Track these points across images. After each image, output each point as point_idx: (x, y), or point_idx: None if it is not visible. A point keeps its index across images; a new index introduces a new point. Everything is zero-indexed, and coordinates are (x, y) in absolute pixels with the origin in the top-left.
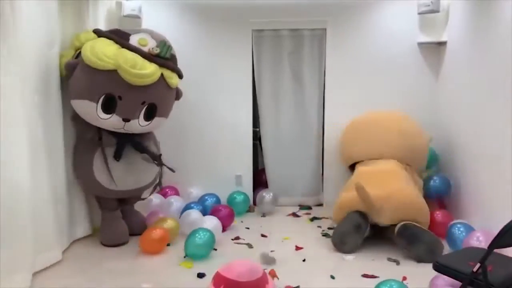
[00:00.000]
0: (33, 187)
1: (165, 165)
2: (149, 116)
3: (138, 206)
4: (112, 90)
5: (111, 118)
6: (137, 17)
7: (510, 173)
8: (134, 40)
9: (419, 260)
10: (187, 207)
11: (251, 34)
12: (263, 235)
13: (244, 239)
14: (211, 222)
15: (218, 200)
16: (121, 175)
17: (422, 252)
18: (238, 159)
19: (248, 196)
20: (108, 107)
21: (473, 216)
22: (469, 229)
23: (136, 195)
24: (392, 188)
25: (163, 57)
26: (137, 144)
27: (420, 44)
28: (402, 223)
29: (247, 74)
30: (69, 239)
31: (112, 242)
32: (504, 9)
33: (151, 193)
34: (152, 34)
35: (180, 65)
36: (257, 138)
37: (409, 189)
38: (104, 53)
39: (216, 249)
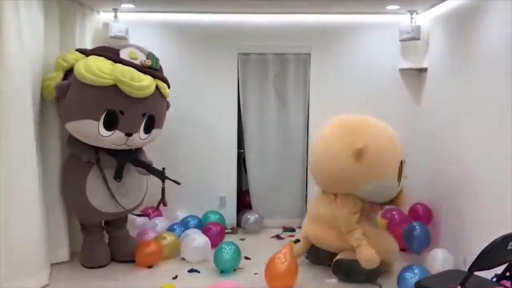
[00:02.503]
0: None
1: (170, 179)
2: (148, 128)
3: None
4: (113, 106)
5: (113, 135)
6: (124, 38)
7: (495, 199)
8: (124, 54)
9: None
10: (171, 229)
11: (237, 57)
12: (246, 258)
13: None
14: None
15: (199, 222)
16: (118, 197)
17: (361, 280)
18: (222, 181)
19: (223, 216)
20: (110, 123)
21: (453, 242)
22: (424, 273)
23: (123, 216)
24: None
25: (155, 69)
26: (137, 161)
27: (402, 70)
28: (334, 260)
29: (233, 96)
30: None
31: (93, 264)
32: (481, 37)
33: (156, 209)
34: (138, 47)
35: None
36: (241, 159)
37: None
38: (100, 69)
39: (199, 271)
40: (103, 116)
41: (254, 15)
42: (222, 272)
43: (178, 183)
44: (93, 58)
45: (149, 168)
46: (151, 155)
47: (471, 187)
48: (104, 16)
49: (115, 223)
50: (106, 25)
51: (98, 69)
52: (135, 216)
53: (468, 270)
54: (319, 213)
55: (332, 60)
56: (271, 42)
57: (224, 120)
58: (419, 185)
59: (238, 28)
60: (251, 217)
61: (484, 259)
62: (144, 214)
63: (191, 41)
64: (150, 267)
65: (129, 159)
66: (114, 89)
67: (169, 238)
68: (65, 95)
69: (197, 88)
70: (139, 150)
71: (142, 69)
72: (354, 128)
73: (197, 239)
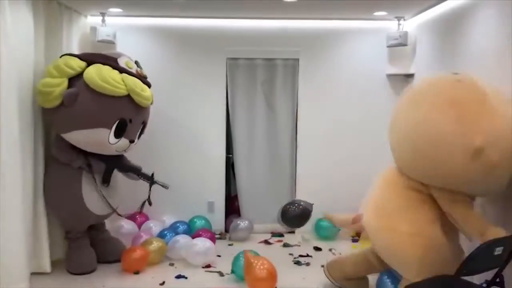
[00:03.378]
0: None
1: (159, 183)
2: (140, 135)
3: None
4: (124, 115)
5: (119, 142)
6: (112, 42)
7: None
8: (122, 63)
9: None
10: (161, 234)
11: (225, 62)
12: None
13: (215, 267)
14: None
15: (188, 228)
16: (102, 200)
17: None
18: (210, 186)
19: (210, 221)
20: (120, 131)
21: None
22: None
23: (106, 219)
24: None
25: (146, 77)
26: (127, 167)
27: (389, 76)
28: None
29: (221, 101)
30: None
31: (80, 270)
32: (468, 43)
33: (141, 210)
34: (126, 56)
35: (154, 91)
36: (230, 164)
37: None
38: (114, 79)
39: (186, 277)
40: (115, 125)
41: (243, 20)
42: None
43: (166, 187)
44: (102, 67)
45: (139, 173)
46: (139, 159)
47: None
48: (91, 20)
49: (98, 226)
50: (93, 29)
51: (112, 79)
52: (122, 224)
53: (455, 274)
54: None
55: (320, 65)
56: (260, 47)
57: (213, 125)
58: None
59: (226, 33)
60: (241, 223)
61: (471, 264)
62: (130, 215)
63: (179, 46)
64: (137, 273)
65: (117, 164)
66: (125, 98)
67: (156, 243)
68: (74, 104)
69: (185, 93)
70: (123, 156)
71: (140, 78)
72: (473, 112)
73: (200, 244)
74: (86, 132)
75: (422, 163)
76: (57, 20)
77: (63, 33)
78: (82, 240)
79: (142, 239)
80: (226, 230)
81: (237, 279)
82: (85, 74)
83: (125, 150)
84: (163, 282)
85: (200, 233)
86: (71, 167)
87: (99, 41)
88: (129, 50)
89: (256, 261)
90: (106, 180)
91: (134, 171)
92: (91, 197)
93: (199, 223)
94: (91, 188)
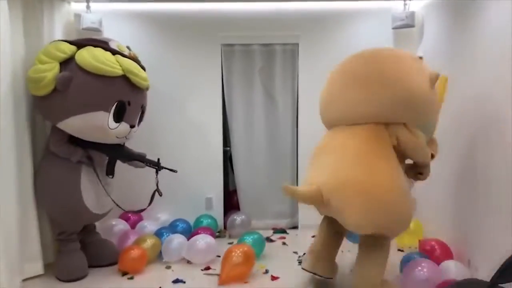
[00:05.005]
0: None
1: (167, 168)
2: (140, 121)
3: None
4: (122, 97)
5: (119, 127)
6: (97, 30)
7: (503, 199)
8: (113, 46)
9: None
10: (158, 233)
11: (220, 49)
12: None
13: (215, 269)
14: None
15: (189, 226)
16: (103, 197)
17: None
18: (208, 181)
19: (216, 220)
20: (119, 115)
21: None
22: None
23: (102, 218)
24: (342, 177)
25: (139, 61)
26: (131, 155)
27: None
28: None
29: (216, 90)
30: (20, 278)
31: (71, 277)
32: (481, 23)
33: (150, 202)
34: (117, 41)
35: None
36: (227, 158)
37: (372, 179)
38: (108, 59)
39: (184, 282)
40: (114, 107)
41: (238, 3)
42: None
43: (174, 171)
44: (94, 49)
45: (144, 160)
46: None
47: (473, 185)
48: (75, 6)
49: (89, 227)
50: (78, 16)
51: (106, 59)
52: (113, 223)
53: (491, 281)
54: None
55: (322, 50)
56: (257, 32)
57: (208, 116)
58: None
59: (220, 17)
60: (237, 218)
61: (508, 273)
62: (139, 210)
63: (170, 32)
64: (131, 278)
65: (120, 153)
66: (121, 79)
67: (150, 240)
68: (68, 88)
69: (177, 84)
70: (124, 145)
71: (133, 60)
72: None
73: (201, 241)
74: (84, 117)
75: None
76: (36, 7)
77: (44, 20)
78: (74, 243)
79: (130, 240)
80: (226, 227)
81: None
82: (77, 56)
83: (126, 137)
84: None
85: (199, 231)
86: (70, 162)
87: (84, 29)
88: (116, 38)
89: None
90: (110, 171)
91: (138, 159)
92: (90, 194)
93: (205, 222)
94: (90, 184)
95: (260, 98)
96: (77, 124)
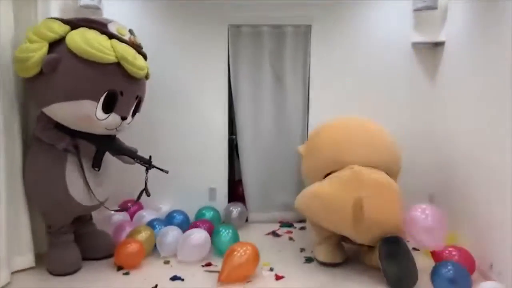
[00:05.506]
0: None
1: (157, 167)
2: (134, 113)
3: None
4: (114, 86)
5: (109, 118)
6: (97, 8)
7: None
8: (112, 29)
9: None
10: (151, 224)
11: (227, 30)
12: None
13: (216, 265)
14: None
15: (186, 218)
16: (95, 188)
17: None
18: (212, 170)
19: (220, 212)
20: (109, 105)
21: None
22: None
23: (94, 211)
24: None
25: (141, 47)
26: (121, 149)
27: (415, 45)
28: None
29: (222, 75)
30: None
31: (63, 271)
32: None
33: (137, 200)
34: (119, 23)
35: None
36: (233, 146)
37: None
38: (101, 44)
39: (183, 279)
40: (103, 97)
41: None
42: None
43: (166, 171)
44: (87, 31)
45: (134, 156)
46: (131, 137)
47: (494, 176)
48: None
49: (84, 218)
50: None
51: (98, 43)
52: (112, 213)
53: None
54: None
55: (336, 33)
56: (266, 12)
57: (213, 102)
58: (431, 174)
59: None
60: (234, 210)
61: None
62: (123, 209)
63: (173, 12)
64: (126, 273)
65: (110, 146)
66: (114, 67)
67: (145, 232)
68: (54, 71)
69: (181, 67)
70: (116, 138)
71: (134, 47)
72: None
73: (195, 236)
74: (69, 105)
75: None
76: None
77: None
78: (67, 236)
79: (126, 231)
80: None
81: None
82: (67, 38)
83: (116, 129)
84: (156, 286)
85: (198, 224)
86: (55, 149)
87: (82, 6)
88: (116, 16)
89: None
90: (96, 164)
91: (128, 154)
92: (77, 185)
93: (208, 215)
94: (77, 175)
95: (268, 83)
96: (63, 111)
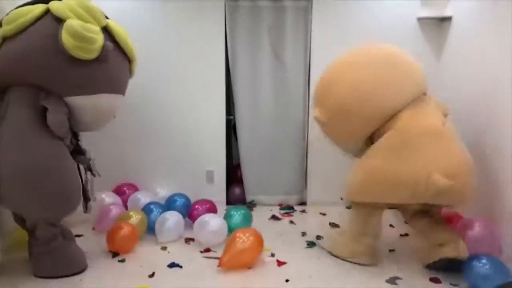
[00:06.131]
0: None
1: (92, 170)
2: None
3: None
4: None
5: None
6: None
7: None
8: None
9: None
10: (147, 208)
11: (224, 5)
12: None
13: (215, 252)
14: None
15: (188, 200)
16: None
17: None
18: (209, 152)
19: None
20: None
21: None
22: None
23: None
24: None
25: None
26: (79, 147)
27: (420, 20)
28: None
29: (219, 52)
30: None
31: (78, 268)
32: None
33: (87, 209)
34: None
35: (137, 42)
36: (231, 127)
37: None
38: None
39: (181, 266)
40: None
41: None
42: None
43: (99, 175)
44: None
45: (86, 155)
46: (125, 123)
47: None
48: None
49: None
50: None
51: (129, 40)
52: (104, 197)
53: None
54: None
55: (338, 7)
56: None
57: (210, 81)
58: None
59: None
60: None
61: None
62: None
63: None
64: (122, 260)
65: (77, 143)
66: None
67: (136, 216)
68: (108, 61)
69: (176, 44)
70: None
71: None
72: None
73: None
74: (109, 98)
75: None
76: None
77: None
78: (57, 237)
79: (111, 213)
80: (228, 202)
81: None
82: (112, 27)
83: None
84: (153, 274)
85: (197, 206)
86: (61, 144)
87: None
88: None
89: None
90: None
91: (84, 154)
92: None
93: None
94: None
95: (268, 61)
96: (101, 103)
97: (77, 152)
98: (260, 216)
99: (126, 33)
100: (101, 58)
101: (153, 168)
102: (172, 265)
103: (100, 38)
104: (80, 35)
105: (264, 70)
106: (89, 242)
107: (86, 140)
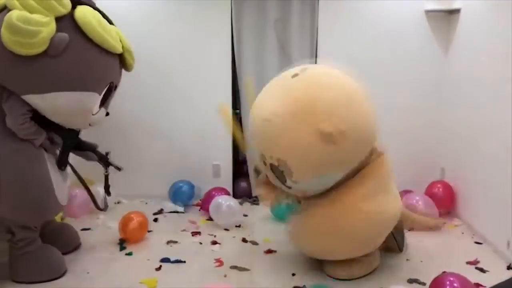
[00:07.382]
0: None
1: (113, 165)
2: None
3: None
4: (113, 78)
5: (98, 113)
6: None
7: None
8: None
9: None
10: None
11: None
12: (244, 240)
13: (220, 243)
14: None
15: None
16: (65, 187)
17: None
18: (215, 146)
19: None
20: (104, 99)
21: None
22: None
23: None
24: None
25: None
26: (82, 144)
27: (428, 12)
28: None
29: (225, 45)
30: None
31: (58, 273)
32: None
33: (104, 207)
34: None
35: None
36: (237, 121)
37: None
38: (112, 30)
39: (184, 261)
40: (104, 90)
41: None
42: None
43: (120, 169)
44: (95, 12)
45: (95, 152)
46: (131, 117)
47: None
48: None
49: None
50: None
51: (110, 29)
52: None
53: None
54: None
55: (345, 0)
56: None
57: (216, 75)
58: (444, 148)
59: None
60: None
61: None
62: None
63: None
64: (129, 254)
65: (76, 141)
66: (115, 58)
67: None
68: (61, 55)
69: (181, 37)
70: (79, 131)
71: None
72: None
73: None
74: (73, 96)
75: None
76: None
77: None
78: (38, 239)
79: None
80: (234, 196)
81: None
82: (78, 15)
83: (90, 125)
84: (160, 267)
85: (213, 192)
86: (30, 146)
87: None
88: None
89: None
90: (63, 162)
91: (92, 150)
92: (57, 184)
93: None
94: (55, 173)
95: (274, 53)
96: (59, 102)
97: (80, 148)
98: (263, 209)
99: (102, 21)
100: (51, 52)
101: (159, 162)
102: (176, 261)
103: (46, 30)
104: (16, 28)
105: (270, 63)
106: (96, 235)
107: (92, 134)
